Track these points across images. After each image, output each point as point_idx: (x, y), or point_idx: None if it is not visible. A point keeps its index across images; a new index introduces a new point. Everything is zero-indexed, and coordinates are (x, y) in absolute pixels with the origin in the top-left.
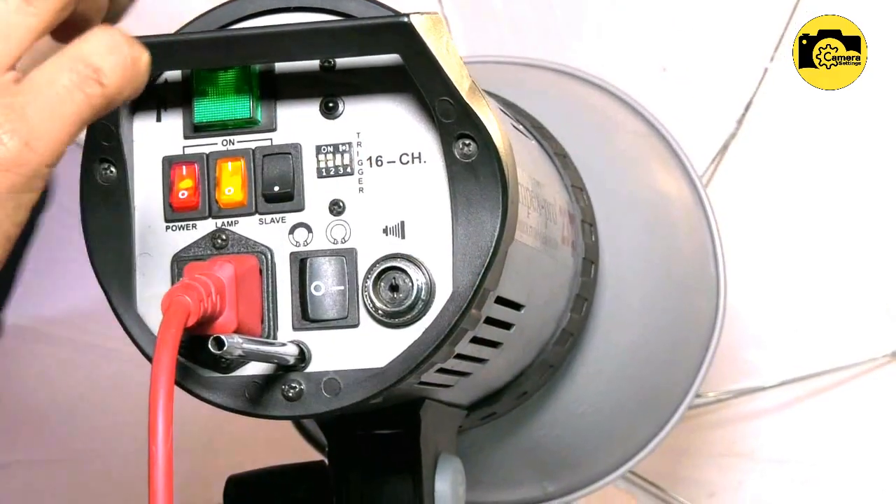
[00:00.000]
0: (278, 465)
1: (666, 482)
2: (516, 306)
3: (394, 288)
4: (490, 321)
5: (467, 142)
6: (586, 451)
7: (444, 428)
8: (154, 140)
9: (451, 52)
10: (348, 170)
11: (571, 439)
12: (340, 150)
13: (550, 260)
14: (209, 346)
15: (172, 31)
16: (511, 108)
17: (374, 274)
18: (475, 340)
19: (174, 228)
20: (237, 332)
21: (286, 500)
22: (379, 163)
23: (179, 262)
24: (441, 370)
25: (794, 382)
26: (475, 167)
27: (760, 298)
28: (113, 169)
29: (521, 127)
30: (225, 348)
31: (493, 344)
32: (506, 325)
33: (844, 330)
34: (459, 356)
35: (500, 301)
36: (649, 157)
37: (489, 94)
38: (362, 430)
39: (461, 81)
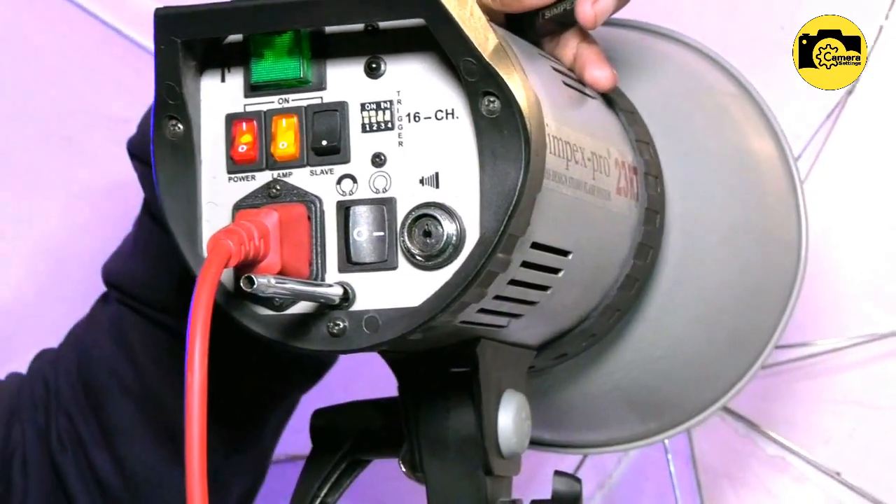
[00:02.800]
0: (358, 399)
1: (782, 429)
2: (561, 252)
3: (427, 234)
4: (530, 265)
5: (492, 99)
6: (668, 393)
7: (508, 366)
8: (218, 98)
9: (475, 16)
10: (389, 125)
11: (651, 381)
12: (382, 107)
13: (599, 210)
14: (241, 284)
15: None
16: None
17: (410, 221)
18: (516, 283)
19: (235, 179)
20: (281, 273)
21: (363, 429)
22: (417, 118)
23: (239, 210)
24: (484, 310)
25: None
26: (499, 122)
27: (873, 248)
28: (180, 125)
29: (577, 85)
30: (255, 287)
31: (541, 287)
32: (552, 270)
33: None
34: (502, 297)
35: (539, 247)
36: (739, 116)
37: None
38: (427, 369)
39: (484, 43)
